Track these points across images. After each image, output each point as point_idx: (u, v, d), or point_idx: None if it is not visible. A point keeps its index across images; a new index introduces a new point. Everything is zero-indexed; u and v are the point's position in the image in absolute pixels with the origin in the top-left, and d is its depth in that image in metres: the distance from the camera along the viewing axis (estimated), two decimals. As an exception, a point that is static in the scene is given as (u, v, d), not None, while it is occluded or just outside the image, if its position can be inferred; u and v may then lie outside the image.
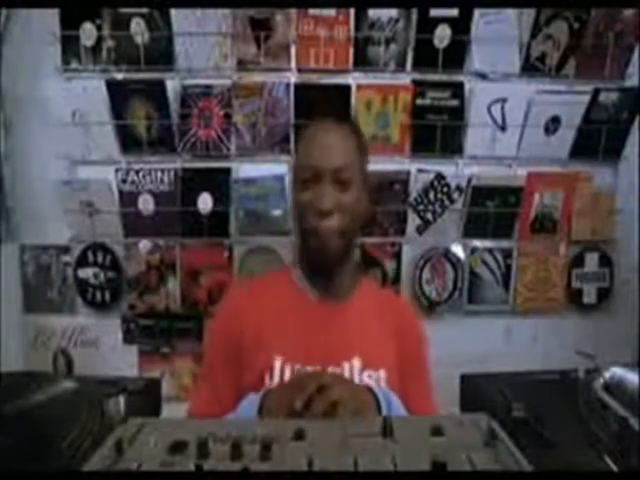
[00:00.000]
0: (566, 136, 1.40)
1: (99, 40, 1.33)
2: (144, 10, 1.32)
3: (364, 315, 0.95)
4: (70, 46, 1.34)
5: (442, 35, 1.34)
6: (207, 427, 0.55)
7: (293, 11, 1.32)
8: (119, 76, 1.36)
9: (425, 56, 1.36)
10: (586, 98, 1.38)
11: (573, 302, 1.49)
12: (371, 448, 0.52)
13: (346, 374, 0.85)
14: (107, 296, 1.43)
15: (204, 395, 0.93)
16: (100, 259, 1.42)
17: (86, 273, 1.43)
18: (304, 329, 0.90)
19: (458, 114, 1.38)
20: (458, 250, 1.45)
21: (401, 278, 1.44)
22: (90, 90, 1.34)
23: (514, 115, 1.38)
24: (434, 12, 1.33)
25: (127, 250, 1.42)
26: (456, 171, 1.41)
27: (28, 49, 1.35)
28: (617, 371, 0.72)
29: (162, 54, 1.34)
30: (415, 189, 1.40)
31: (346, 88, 1.35)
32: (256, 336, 0.89)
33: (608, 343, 1.39)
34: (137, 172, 1.38)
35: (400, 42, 1.35)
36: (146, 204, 1.39)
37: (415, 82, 1.37)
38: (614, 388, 0.69)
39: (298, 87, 1.35)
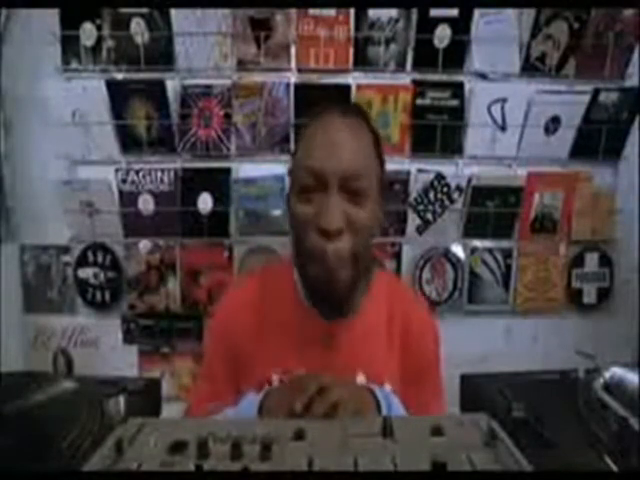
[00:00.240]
0: (566, 136, 1.40)
1: (99, 40, 1.33)
2: (144, 10, 1.32)
3: (372, 325, 0.85)
4: (70, 46, 1.34)
5: (442, 35, 1.34)
6: (207, 427, 0.55)
7: (293, 11, 1.32)
8: (119, 76, 1.36)
9: (425, 56, 1.36)
10: (586, 98, 1.38)
11: (573, 302, 1.49)
12: (371, 448, 0.52)
13: None
14: (107, 296, 1.43)
15: (203, 394, 0.92)
16: (100, 259, 1.42)
17: (86, 273, 1.43)
18: (305, 345, 0.82)
19: (458, 114, 1.38)
20: (458, 250, 1.45)
21: (401, 278, 1.44)
22: (90, 90, 1.34)
23: (514, 115, 1.38)
24: (434, 12, 1.33)
25: (127, 250, 1.42)
26: (456, 171, 1.41)
27: (28, 49, 1.35)
28: (617, 371, 0.72)
29: (162, 54, 1.34)
30: (415, 189, 1.40)
31: (346, 88, 1.35)
32: (254, 346, 0.84)
33: (608, 343, 1.39)
34: (137, 172, 1.38)
35: (400, 42, 1.35)
36: (146, 204, 1.39)
37: (415, 82, 1.37)
38: (614, 388, 0.69)
39: (298, 87, 1.35)
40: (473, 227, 1.43)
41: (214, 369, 0.91)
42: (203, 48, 1.34)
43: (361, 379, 0.82)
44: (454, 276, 1.45)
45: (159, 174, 1.38)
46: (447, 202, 1.41)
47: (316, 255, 0.70)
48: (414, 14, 1.34)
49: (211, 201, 1.39)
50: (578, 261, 1.47)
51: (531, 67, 1.37)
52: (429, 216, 1.42)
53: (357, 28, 1.34)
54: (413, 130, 1.39)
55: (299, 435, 0.55)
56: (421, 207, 1.41)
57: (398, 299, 0.89)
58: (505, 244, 1.45)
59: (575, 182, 1.43)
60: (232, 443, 0.51)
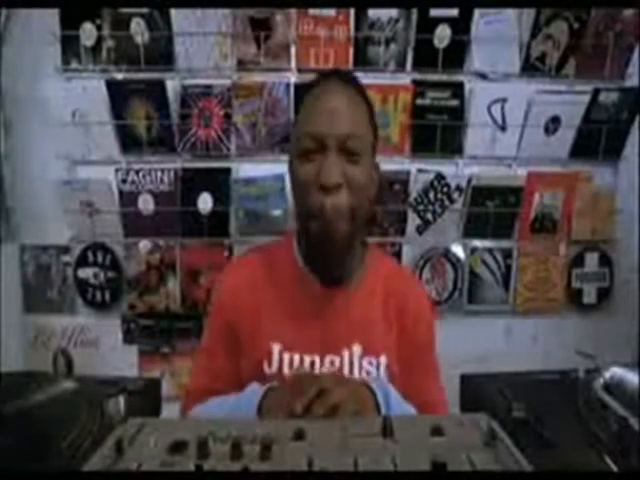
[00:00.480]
0: (566, 136, 1.40)
1: (99, 40, 1.33)
2: (144, 10, 1.32)
3: (368, 298, 0.88)
4: (70, 46, 1.34)
5: (442, 35, 1.34)
6: (207, 427, 0.55)
7: (293, 11, 1.32)
8: (119, 76, 1.36)
9: (425, 56, 1.36)
10: (586, 98, 1.38)
11: (573, 302, 1.49)
12: (371, 448, 0.52)
13: (346, 361, 0.83)
14: (107, 296, 1.43)
15: (203, 368, 0.91)
16: (100, 259, 1.42)
17: (86, 273, 1.43)
18: (303, 315, 0.85)
19: (458, 114, 1.38)
20: (458, 250, 1.45)
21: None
22: (90, 90, 1.34)
23: (514, 115, 1.38)
24: (434, 12, 1.33)
25: (127, 250, 1.42)
26: (456, 171, 1.41)
27: (28, 49, 1.35)
28: (617, 371, 0.72)
29: (162, 54, 1.34)
30: (415, 189, 1.40)
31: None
32: (254, 320, 0.86)
33: (608, 343, 1.39)
34: (137, 172, 1.38)
35: (400, 42, 1.35)
36: (146, 204, 1.39)
37: (415, 82, 1.37)
38: (614, 388, 0.69)
39: (298, 87, 1.35)
40: (473, 227, 1.43)
41: (214, 344, 0.90)
42: (203, 48, 1.34)
43: (358, 350, 0.83)
44: (454, 276, 1.45)
45: (159, 174, 1.38)
46: (447, 202, 1.41)
47: (316, 209, 0.75)
48: (414, 14, 1.34)
49: (211, 201, 1.39)
50: (578, 261, 1.47)
51: (531, 67, 1.37)
52: (429, 216, 1.42)
53: (357, 28, 1.34)
54: (413, 130, 1.39)
55: (299, 435, 0.55)
56: (421, 207, 1.41)
57: (394, 278, 0.92)
58: (505, 244, 1.45)
59: (575, 182, 1.43)
60: (232, 443, 0.51)
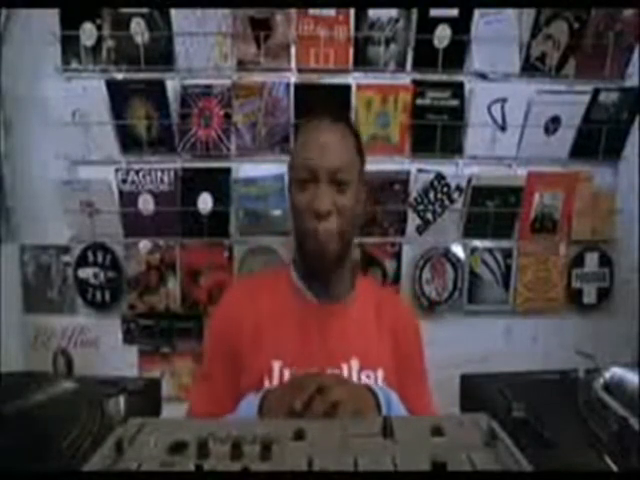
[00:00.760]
0: (566, 136, 1.40)
1: (99, 40, 1.33)
2: (144, 10, 1.32)
3: (362, 315, 0.94)
4: (70, 46, 1.34)
5: (442, 35, 1.34)
6: (207, 427, 0.55)
7: (293, 11, 1.32)
8: (119, 76, 1.36)
9: (425, 56, 1.36)
10: (586, 98, 1.37)
11: (573, 302, 1.49)
12: (371, 448, 0.52)
13: (344, 375, 0.85)
14: (107, 296, 1.43)
15: (203, 394, 0.93)
16: (100, 259, 1.42)
17: (86, 273, 1.43)
18: (302, 332, 0.89)
19: (458, 114, 1.38)
20: (458, 250, 1.45)
21: (401, 278, 1.44)
22: (90, 90, 1.34)
23: (514, 115, 1.38)
24: (434, 12, 1.33)
25: (127, 250, 1.42)
26: (456, 171, 1.41)
27: (28, 49, 1.35)
28: (617, 371, 0.72)
29: (162, 54, 1.34)
30: (415, 189, 1.40)
31: (346, 88, 1.35)
32: (254, 339, 0.89)
33: (608, 343, 1.39)
34: (137, 172, 1.38)
35: (400, 42, 1.35)
36: (146, 204, 1.39)
37: (415, 82, 1.37)
38: (614, 388, 0.69)
39: (298, 87, 1.35)
40: (473, 227, 1.43)
41: (213, 369, 0.92)
42: (203, 48, 1.34)
43: (356, 364, 0.87)
44: (454, 276, 1.45)
45: (159, 174, 1.38)
46: (447, 202, 1.41)
47: (310, 233, 0.86)
48: (414, 14, 1.33)
49: (211, 201, 1.39)
50: (578, 261, 1.47)
51: (531, 67, 1.37)
52: (429, 216, 1.42)
53: (357, 28, 1.34)
54: (413, 130, 1.39)
55: (299, 435, 0.55)
56: (421, 207, 1.41)
57: (383, 298, 1.00)
58: (505, 244, 1.45)
59: (575, 182, 1.43)
60: (232, 443, 0.51)
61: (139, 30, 1.32)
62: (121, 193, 1.39)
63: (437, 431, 0.55)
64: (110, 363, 1.43)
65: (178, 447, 0.52)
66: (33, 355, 1.44)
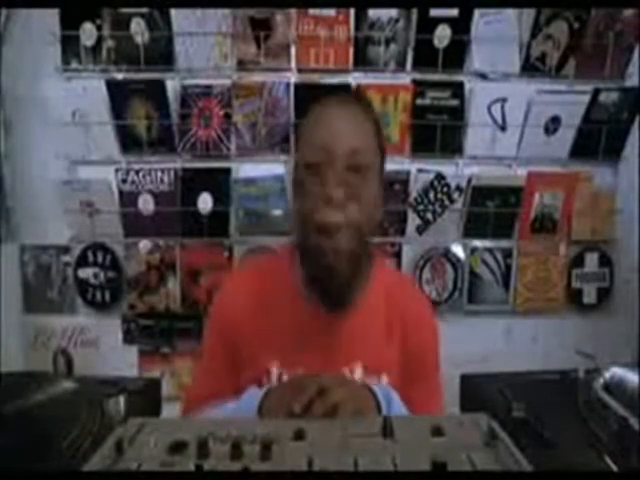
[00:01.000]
0: (566, 136, 1.40)
1: (99, 40, 1.33)
2: (144, 10, 1.32)
3: (369, 316, 0.86)
4: (70, 46, 1.34)
5: (442, 35, 1.34)
6: (207, 427, 0.55)
7: (293, 11, 1.32)
8: (119, 76, 1.36)
9: (425, 56, 1.36)
10: (586, 98, 1.38)
11: (573, 302, 1.49)
12: (371, 448, 0.52)
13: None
14: (107, 296, 1.43)
15: (202, 388, 0.91)
16: (100, 259, 1.42)
17: (86, 273, 1.43)
18: (303, 335, 0.84)
19: (458, 114, 1.38)
20: (458, 250, 1.45)
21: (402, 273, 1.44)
22: (90, 90, 1.34)
23: (514, 115, 1.38)
24: (434, 12, 1.33)
25: (127, 250, 1.42)
26: (456, 171, 1.41)
27: (28, 49, 1.35)
28: (617, 371, 0.72)
29: (162, 54, 1.34)
30: (415, 189, 1.40)
31: (346, 88, 1.35)
32: (253, 337, 0.85)
33: (608, 343, 1.39)
34: (137, 172, 1.38)
35: (400, 42, 1.35)
36: (146, 204, 1.39)
37: (415, 82, 1.37)
38: (614, 388, 0.69)
39: (298, 87, 1.35)
40: (473, 227, 1.43)
41: (213, 362, 0.90)
42: (203, 48, 1.34)
43: (359, 370, 0.82)
44: (454, 276, 1.45)
45: (159, 174, 1.38)
46: (447, 202, 1.41)
47: (319, 225, 0.72)
48: (414, 14, 1.34)
49: (211, 201, 1.39)
50: (578, 261, 1.47)
51: (531, 67, 1.37)
52: (429, 216, 1.42)
53: (357, 28, 1.34)
54: (413, 130, 1.39)
55: (299, 435, 0.55)
56: (421, 207, 1.41)
57: (397, 293, 0.89)
58: (505, 244, 1.45)
59: (575, 182, 1.43)
60: (232, 443, 0.51)
61: (139, 30, 1.32)
62: (121, 193, 1.39)
63: (437, 431, 0.55)
64: (110, 363, 1.43)
65: (178, 447, 0.52)
66: (33, 355, 1.44)
